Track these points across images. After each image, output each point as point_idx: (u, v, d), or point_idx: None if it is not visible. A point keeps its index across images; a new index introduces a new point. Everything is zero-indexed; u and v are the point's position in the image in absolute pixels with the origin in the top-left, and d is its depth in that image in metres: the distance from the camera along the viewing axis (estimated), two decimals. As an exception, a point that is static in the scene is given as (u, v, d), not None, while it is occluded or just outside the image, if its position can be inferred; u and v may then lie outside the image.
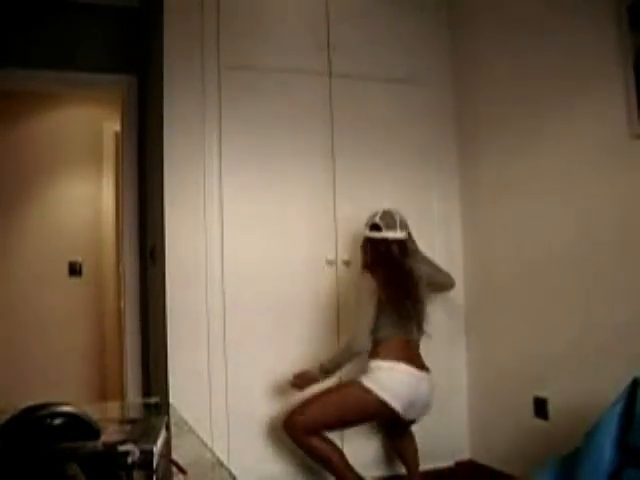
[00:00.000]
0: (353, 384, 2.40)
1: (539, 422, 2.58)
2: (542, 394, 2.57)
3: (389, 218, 2.54)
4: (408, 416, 2.43)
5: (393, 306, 2.43)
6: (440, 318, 3.04)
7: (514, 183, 2.77)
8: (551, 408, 2.52)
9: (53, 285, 4.03)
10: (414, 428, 2.66)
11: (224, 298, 2.69)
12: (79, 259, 4.11)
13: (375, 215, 2.57)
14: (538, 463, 1.84)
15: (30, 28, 3.17)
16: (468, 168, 3.12)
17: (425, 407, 2.47)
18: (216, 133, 2.74)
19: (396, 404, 2.33)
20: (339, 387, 2.51)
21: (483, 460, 2.95)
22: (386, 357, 2.39)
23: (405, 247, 2.56)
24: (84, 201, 4.16)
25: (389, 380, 2.35)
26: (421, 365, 2.45)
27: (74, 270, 4.10)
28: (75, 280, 4.10)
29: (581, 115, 2.40)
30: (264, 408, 2.70)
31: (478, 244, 3.06)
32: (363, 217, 2.92)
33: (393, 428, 2.67)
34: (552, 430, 2.49)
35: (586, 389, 2.28)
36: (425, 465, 2.84)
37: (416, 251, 2.67)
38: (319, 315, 2.83)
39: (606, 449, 1.50)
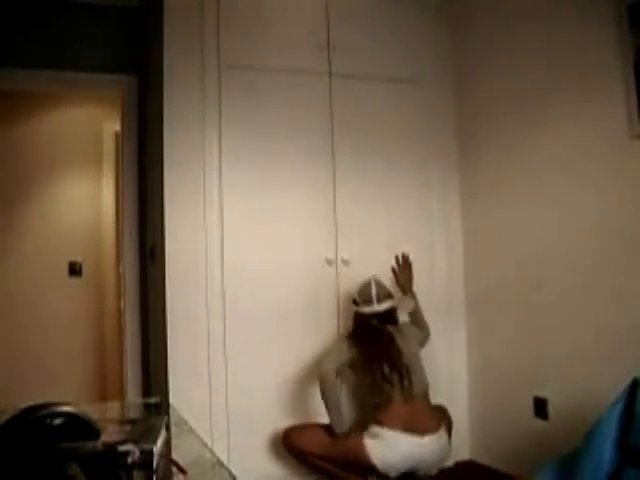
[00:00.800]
0: (358, 441, 2.40)
1: (539, 422, 2.58)
2: (542, 394, 2.57)
3: (365, 293, 2.58)
4: (412, 472, 2.45)
5: (371, 368, 2.48)
6: (441, 318, 3.04)
7: (515, 182, 2.77)
8: (551, 408, 2.52)
9: (53, 285, 4.03)
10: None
11: (224, 298, 2.69)
12: (79, 259, 4.11)
13: (357, 287, 2.62)
14: (538, 463, 1.84)
15: (30, 28, 3.16)
16: (468, 167, 3.12)
17: (434, 466, 2.47)
18: (216, 133, 2.74)
19: (390, 472, 2.38)
20: (347, 436, 2.46)
21: (483, 460, 2.95)
22: (387, 425, 2.39)
23: (387, 317, 2.59)
24: (84, 201, 4.16)
25: (388, 451, 2.36)
26: (425, 429, 2.40)
27: (74, 270, 4.10)
28: (75, 280, 4.09)
29: (581, 115, 2.40)
30: (264, 408, 2.70)
31: (478, 244, 3.05)
32: (363, 217, 2.94)
33: None
34: (552, 430, 2.49)
35: (586, 389, 2.28)
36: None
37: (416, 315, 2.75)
38: (319, 314, 2.83)
39: (606, 449, 1.50)
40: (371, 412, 2.51)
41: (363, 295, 2.59)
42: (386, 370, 2.46)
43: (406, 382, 2.46)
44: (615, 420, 1.52)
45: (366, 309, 2.57)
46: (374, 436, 2.39)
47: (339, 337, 2.72)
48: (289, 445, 2.56)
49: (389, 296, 2.61)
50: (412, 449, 2.36)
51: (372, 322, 2.56)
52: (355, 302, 2.62)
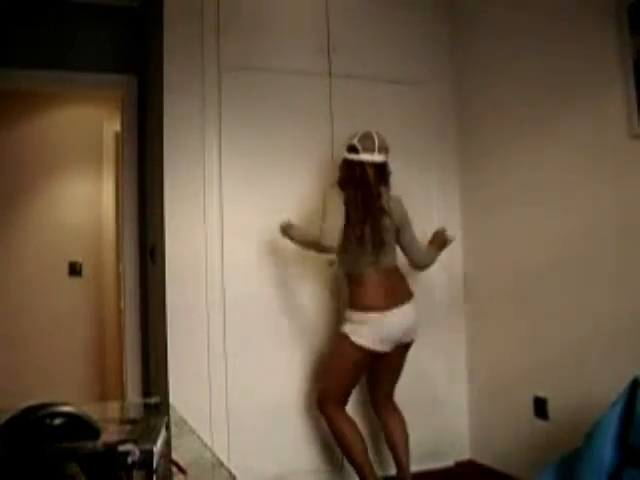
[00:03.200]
0: (342, 340, 2.41)
1: (539, 422, 2.58)
2: (542, 394, 2.57)
3: (368, 140, 2.47)
4: (401, 341, 2.42)
5: (353, 228, 2.39)
6: (441, 318, 3.04)
7: (514, 182, 2.77)
8: (551, 408, 2.53)
9: (53, 285, 4.03)
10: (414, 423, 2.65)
11: (224, 298, 2.69)
12: (79, 259, 4.11)
13: (354, 137, 2.50)
14: (538, 463, 1.83)
15: (30, 28, 3.16)
16: (469, 168, 3.12)
17: (412, 330, 2.44)
18: (216, 133, 2.74)
19: (382, 347, 2.36)
20: (334, 349, 2.49)
21: (483, 460, 2.95)
22: (363, 307, 2.37)
23: (382, 171, 2.51)
24: (84, 201, 4.16)
25: (370, 329, 2.34)
26: (397, 300, 2.39)
27: (74, 270, 4.10)
28: (75, 280, 4.09)
29: (581, 115, 2.41)
30: (264, 408, 2.70)
31: (478, 246, 3.06)
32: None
33: (375, 398, 2.62)
34: (552, 430, 2.49)
35: (586, 389, 2.28)
36: (425, 465, 2.84)
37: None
38: (319, 314, 2.83)
39: (606, 449, 1.50)
40: (348, 293, 2.48)
41: (365, 142, 2.45)
42: (367, 232, 2.39)
43: (381, 253, 2.41)
44: (615, 420, 1.52)
45: (367, 157, 2.45)
46: (353, 322, 2.38)
47: (330, 189, 2.48)
48: (320, 398, 2.48)
49: (387, 151, 2.50)
50: (389, 320, 2.35)
51: (369, 172, 2.44)
52: (354, 149, 2.46)
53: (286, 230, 2.52)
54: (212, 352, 2.65)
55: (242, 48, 2.81)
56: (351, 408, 2.54)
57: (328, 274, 2.86)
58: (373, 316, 2.35)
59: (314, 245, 2.39)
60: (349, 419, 2.47)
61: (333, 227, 2.34)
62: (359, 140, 2.47)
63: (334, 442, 2.52)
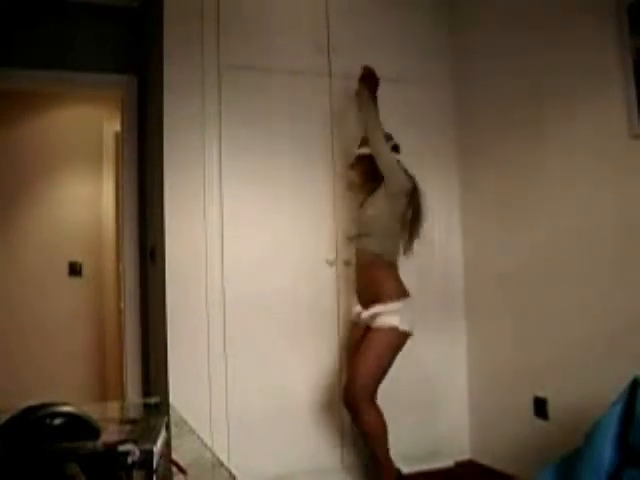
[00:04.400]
0: (389, 334, 2.41)
1: (539, 422, 2.58)
2: (542, 394, 2.57)
3: (394, 141, 2.61)
4: None
5: (405, 223, 2.55)
6: (441, 318, 3.04)
7: (514, 182, 2.77)
8: (551, 408, 2.53)
9: (53, 285, 4.03)
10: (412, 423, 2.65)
11: (224, 298, 2.69)
12: (79, 259, 4.11)
13: (389, 137, 2.59)
14: (538, 463, 1.83)
15: (30, 28, 3.16)
16: (468, 167, 3.12)
17: None
18: (216, 133, 2.74)
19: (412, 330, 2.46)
20: (377, 345, 2.43)
21: (483, 460, 2.95)
22: (400, 295, 2.45)
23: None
24: (84, 201, 4.16)
25: (409, 315, 2.43)
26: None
27: (74, 270, 4.10)
28: (75, 280, 4.09)
29: (581, 115, 2.41)
30: (264, 408, 2.70)
31: (478, 245, 3.05)
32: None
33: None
34: (552, 430, 2.49)
35: (586, 389, 2.28)
36: (425, 465, 2.84)
37: None
38: (319, 314, 2.83)
39: (606, 449, 1.50)
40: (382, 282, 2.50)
41: (395, 143, 2.61)
42: (412, 223, 2.57)
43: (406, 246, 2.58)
44: (615, 420, 1.52)
45: (399, 156, 2.59)
46: (401, 311, 2.42)
47: None
48: (358, 391, 2.41)
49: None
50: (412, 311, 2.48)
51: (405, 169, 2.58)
52: (396, 149, 2.60)
53: (365, 104, 2.60)
54: (212, 352, 2.65)
55: (242, 48, 2.81)
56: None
57: (327, 273, 2.86)
58: (403, 303, 2.43)
59: (375, 137, 2.50)
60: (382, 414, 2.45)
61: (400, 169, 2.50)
62: (383, 133, 2.56)
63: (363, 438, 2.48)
